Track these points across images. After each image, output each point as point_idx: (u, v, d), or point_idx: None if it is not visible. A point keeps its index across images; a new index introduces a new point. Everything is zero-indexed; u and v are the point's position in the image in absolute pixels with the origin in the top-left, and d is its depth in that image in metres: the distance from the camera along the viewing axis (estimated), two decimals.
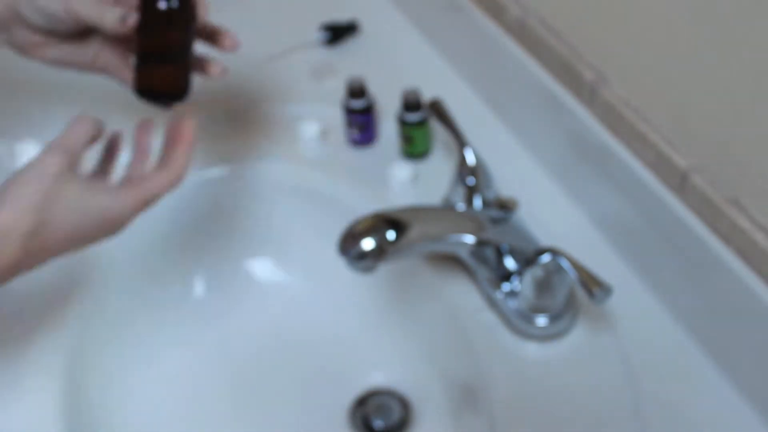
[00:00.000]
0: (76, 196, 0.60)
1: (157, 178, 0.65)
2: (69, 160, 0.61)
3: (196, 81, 0.70)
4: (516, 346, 0.71)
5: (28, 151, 0.90)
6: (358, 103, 0.85)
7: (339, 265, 0.68)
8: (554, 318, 0.70)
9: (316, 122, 0.89)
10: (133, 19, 0.67)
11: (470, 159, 0.75)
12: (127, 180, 0.66)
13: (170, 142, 0.67)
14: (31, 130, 0.91)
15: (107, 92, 0.79)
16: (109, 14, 0.66)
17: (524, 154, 0.85)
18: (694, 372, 0.68)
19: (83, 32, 0.71)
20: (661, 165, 0.68)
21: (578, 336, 0.71)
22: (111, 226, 0.63)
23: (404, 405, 0.80)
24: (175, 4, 0.68)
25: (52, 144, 0.62)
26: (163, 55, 0.68)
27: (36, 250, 0.59)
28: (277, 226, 0.90)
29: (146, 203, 0.64)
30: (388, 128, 0.88)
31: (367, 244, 0.65)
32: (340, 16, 1.02)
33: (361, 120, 0.87)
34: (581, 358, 0.70)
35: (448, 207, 0.77)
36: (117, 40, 0.71)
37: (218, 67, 0.71)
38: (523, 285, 0.70)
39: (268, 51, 0.99)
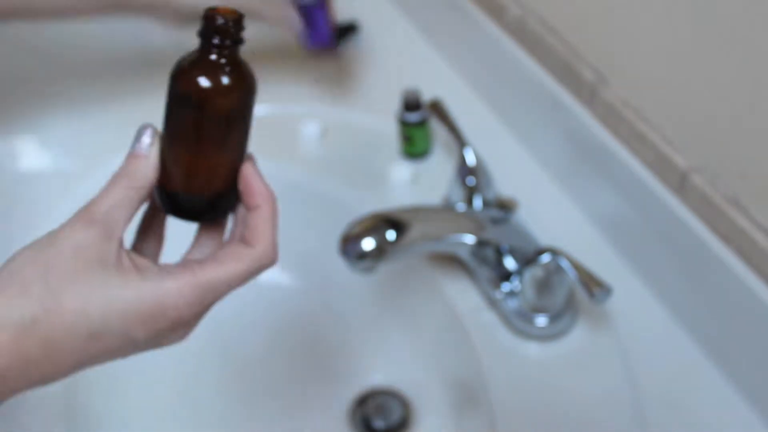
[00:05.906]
0: (115, 283, 0.43)
1: (231, 255, 0.47)
2: (106, 233, 0.44)
3: None
4: (516, 346, 0.71)
5: (27, 149, 0.90)
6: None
7: (339, 265, 0.68)
8: (554, 318, 0.70)
9: (316, 122, 0.89)
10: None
11: (470, 159, 0.75)
12: (186, 262, 0.47)
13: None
14: (31, 128, 0.91)
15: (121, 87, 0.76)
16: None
17: (524, 154, 0.85)
18: (694, 372, 0.68)
19: None
20: (661, 165, 0.68)
21: (578, 336, 0.71)
22: (163, 328, 0.44)
23: (404, 405, 0.80)
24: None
25: (92, 208, 0.44)
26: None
27: (40, 356, 0.42)
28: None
29: (215, 293, 0.46)
30: (388, 128, 0.88)
31: (367, 244, 0.65)
32: (340, 16, 1.02)
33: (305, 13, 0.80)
34: (581, 358, 0.69)
35: (448, 207, 0.77)
36: None
37: None
38: (523, 285, 0.70)
39: (268, 51, 0.99)
